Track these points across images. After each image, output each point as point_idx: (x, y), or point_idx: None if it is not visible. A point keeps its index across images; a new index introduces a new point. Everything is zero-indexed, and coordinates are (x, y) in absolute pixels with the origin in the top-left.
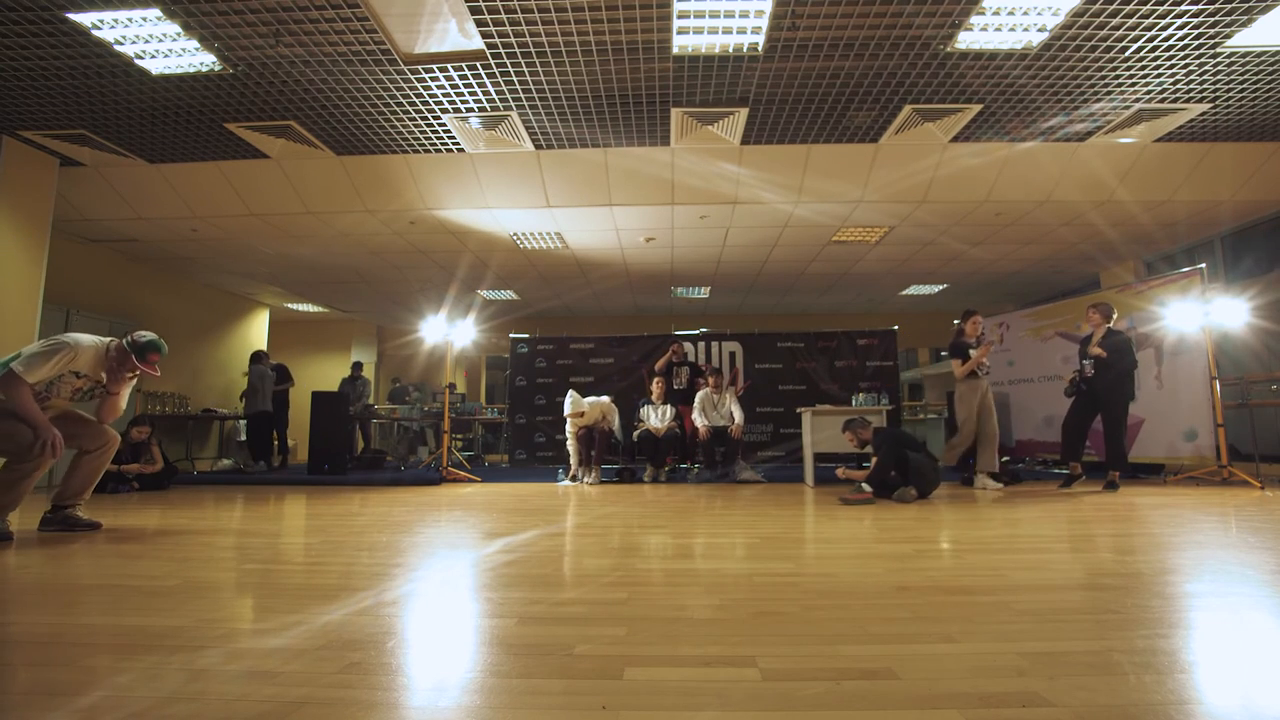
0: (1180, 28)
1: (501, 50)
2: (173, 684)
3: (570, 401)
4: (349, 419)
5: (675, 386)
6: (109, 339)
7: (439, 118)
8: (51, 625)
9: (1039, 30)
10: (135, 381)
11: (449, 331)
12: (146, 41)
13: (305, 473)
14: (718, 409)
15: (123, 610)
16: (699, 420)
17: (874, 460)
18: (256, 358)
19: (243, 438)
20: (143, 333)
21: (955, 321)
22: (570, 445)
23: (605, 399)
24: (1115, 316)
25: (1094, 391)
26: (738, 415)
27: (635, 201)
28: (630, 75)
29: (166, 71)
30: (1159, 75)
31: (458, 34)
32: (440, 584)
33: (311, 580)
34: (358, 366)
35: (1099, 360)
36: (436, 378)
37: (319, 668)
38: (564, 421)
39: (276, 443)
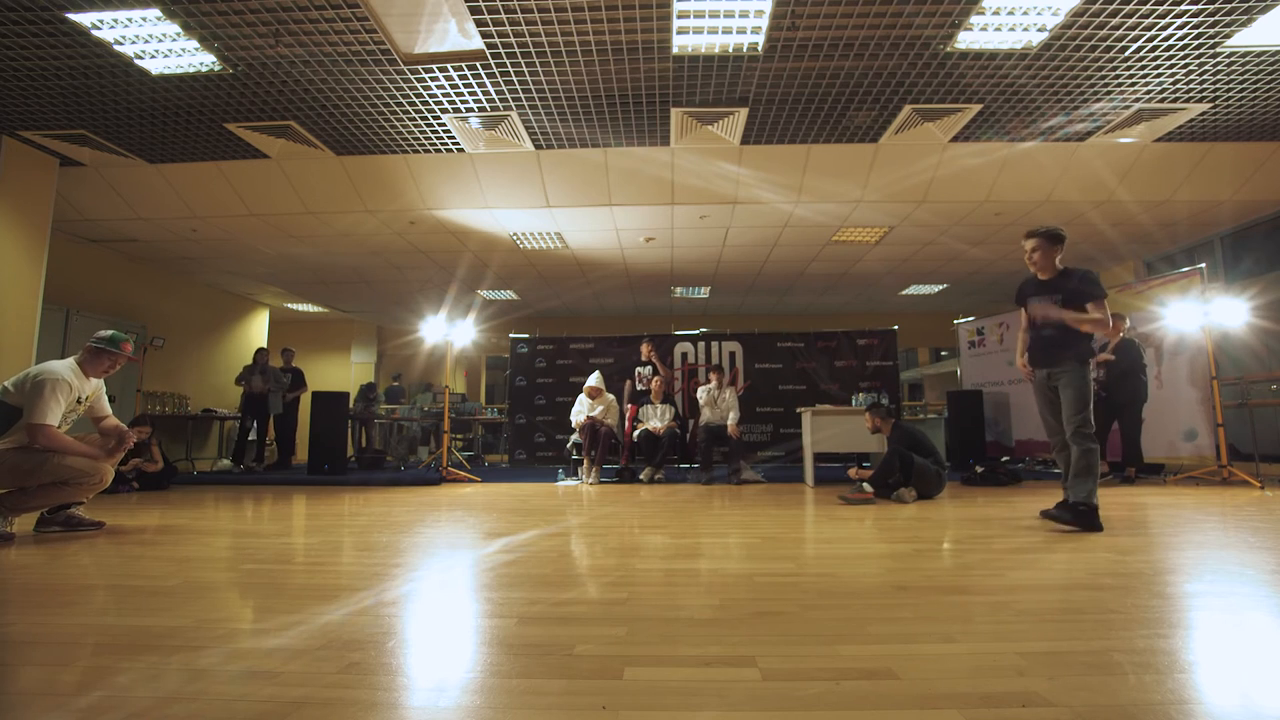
0: (1180, 28)
1: (501, 50)
2: (173, 684)
3: (594, 379)
4: (353, 419)
5: (639, 388)
6: (70, 358)
7: (439, 118)
8: (51, 625)
9: (1039, 30)
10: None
11: (449, 331)
12: (146, 41)
13: (305, 473)
14: (718, 404)
15: (123, 610)
16: (705, 413)
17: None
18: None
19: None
20: (101, 332)
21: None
22: (576, 419)
23: (610, 396)
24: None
25: (1110, 396)
26: (733, 414)
27: (635, 201)
28: (630, 75)
29: (166, 71)
30: (1159, 75)
31: (458, 34)
32: (440, 584)
33: (311, 580)
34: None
35: (1109, 365)
36: (436, 378)
37: (319, 668)
38: (565, 421)
39: (272, 444)
